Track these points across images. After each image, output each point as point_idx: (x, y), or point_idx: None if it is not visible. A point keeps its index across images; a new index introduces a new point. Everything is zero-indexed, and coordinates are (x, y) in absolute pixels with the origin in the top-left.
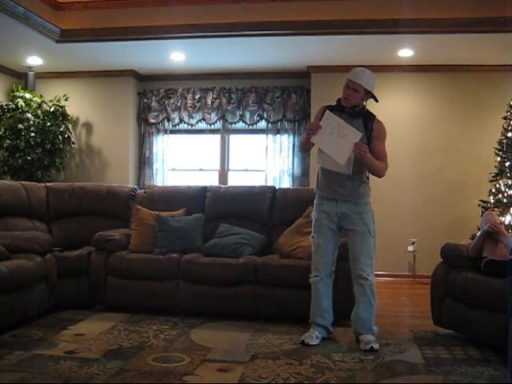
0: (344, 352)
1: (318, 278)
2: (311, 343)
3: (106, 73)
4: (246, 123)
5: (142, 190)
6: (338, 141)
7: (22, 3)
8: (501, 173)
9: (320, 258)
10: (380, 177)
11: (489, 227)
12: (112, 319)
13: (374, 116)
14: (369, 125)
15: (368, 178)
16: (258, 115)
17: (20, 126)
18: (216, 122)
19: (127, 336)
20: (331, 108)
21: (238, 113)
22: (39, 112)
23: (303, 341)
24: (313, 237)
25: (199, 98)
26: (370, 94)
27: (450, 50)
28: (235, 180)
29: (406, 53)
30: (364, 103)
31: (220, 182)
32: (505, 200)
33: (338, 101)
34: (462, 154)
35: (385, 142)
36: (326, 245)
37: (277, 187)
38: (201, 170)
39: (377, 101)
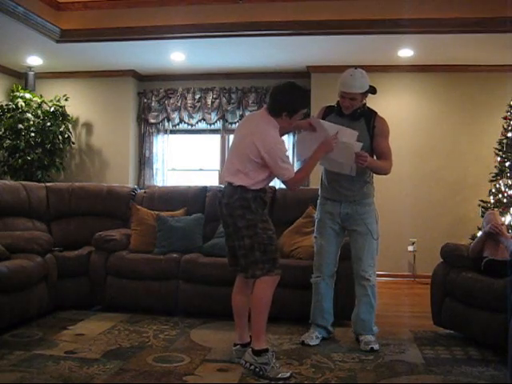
0: (344, 352)
1: (320, 279)
2: (311, 343)
3: (105, 73)
4: None
5: (142, 190)
6: (340, 153)
7: (22, 3)
8: (501, 173)
9: (322, 258)
10: (385, 175)
11: (490, 228)
12: (112, 319)
13: (376, 113)
14: (371, 123)
15: (372, 178)
16: None
17: (20, 126)
18: (216, 122)
19: (127, 336)
20: (331, 109)
21: (238, 113)
22: (39, 112)
23: (303, 341)
24: (315, 237)
25: (199, 97)
26: (367, 92)
27: (450, 50)
28: None
29: (405, 53)
30: (364, 101)
31: (220, 182)
32: (505, 200)
33: (338, 105)
34: (461, 154)
35: (388, 138)
36: (328, 246)
37: (276, 187)
38: (201, 169)
39: (375, 92)
